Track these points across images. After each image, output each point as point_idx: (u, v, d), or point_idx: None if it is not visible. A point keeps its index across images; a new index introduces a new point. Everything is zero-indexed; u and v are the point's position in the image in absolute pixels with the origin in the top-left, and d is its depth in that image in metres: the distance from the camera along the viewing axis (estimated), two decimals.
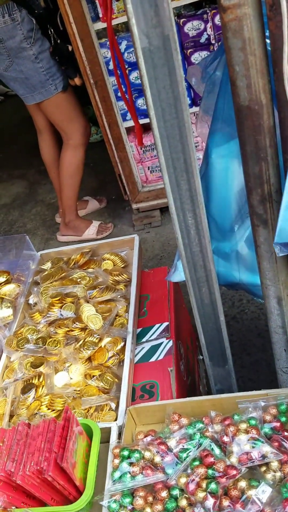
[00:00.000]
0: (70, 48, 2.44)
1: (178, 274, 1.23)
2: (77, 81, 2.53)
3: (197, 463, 0.96)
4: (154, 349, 1.36)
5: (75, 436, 1.00)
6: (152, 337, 1.40)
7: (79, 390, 1.23)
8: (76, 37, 2.41)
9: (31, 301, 1.53)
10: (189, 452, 1.00)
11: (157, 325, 1.43)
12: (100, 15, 2.43)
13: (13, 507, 0.95)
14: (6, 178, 4.17)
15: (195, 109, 2.62)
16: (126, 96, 1.53)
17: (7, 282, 1.56)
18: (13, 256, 1.65)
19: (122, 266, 1.59)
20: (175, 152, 0.89)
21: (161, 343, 1.37)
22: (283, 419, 1.03)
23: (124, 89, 1.95)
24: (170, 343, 1.36)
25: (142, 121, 2.64)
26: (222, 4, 0.71)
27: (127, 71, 2.59)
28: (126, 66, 2.60)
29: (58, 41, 2.35)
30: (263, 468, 0.96)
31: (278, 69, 0.74)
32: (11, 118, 5.40)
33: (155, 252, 2.84)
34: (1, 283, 1.55)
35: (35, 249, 1.69)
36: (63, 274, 1.55)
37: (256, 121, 0.82)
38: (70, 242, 2.98)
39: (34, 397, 1.25)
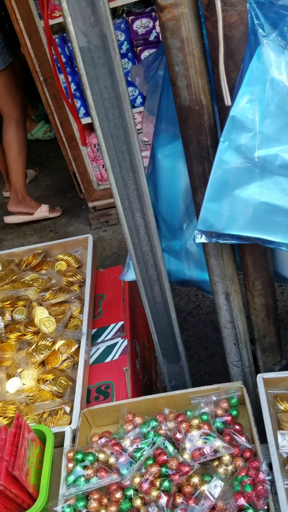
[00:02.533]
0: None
1: (131, 273, 1.22)
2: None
3: (150, 462, 0.97)
4: (109, 349, 1.36)
5: (27, 443, 0.98)
6: (108, 337, 1.39)
7: (32, 396, 1.21)
8: (24, 34, 2.36)
9: None
10: (143, 451, 1.00)
11: (112, 325, 1.43)
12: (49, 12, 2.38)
13: None
14: None
15: None
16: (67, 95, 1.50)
17: None
18: None
19: (76, 266, 1.57)
20: (120, 152, 0.89)
21: (116, 342, 1.37)
22: (234, 412, 1.05)
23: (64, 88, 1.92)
24: (125, 342, 1.36)
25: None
26: (159, 3, 0.71)
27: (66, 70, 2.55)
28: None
29: None
30: (216, 463, 0.97)
31: (216, 69, 0.75)
32: None
33: (112, 250, 2.83)
34: None
35: None
36: (14, 277, 1.52)
37: (197, 121, 0.82)
38: (17, 242, 2.90)
39: None
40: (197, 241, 0.82)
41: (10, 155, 2.90)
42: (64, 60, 2.47)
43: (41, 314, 1.37)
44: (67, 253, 1.60)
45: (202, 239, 0.82)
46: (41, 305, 1.42)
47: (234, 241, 0.84)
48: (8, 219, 3.13)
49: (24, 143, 2.92)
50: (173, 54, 0.74)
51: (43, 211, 3.07)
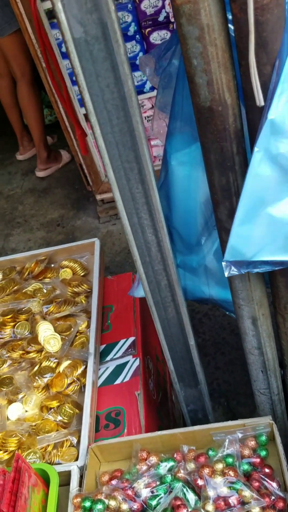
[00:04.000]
0: None
1: (142, 290, 1.09)
2: None
3: None
4: (119, 369, 1.24)
5: (28, 491, 0.87)
6: (117, 355, 1.27)
7: (35, 426, 1.10)
8: (24, 17, 2.20)
9: None
10: (160, 498, 0.89)
11: (122, 341, 1.30)
12: None
13: None
14: None
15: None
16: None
17: None
18: None
19: (82, 274, 1.45)
20: (127, 162, 0.75)
21: (127, 362, 1.25)
22: (263, 453, 0.93)
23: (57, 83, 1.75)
24: (137, 362, 1.24)
25: None
26: None
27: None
28: None
29: None
30: None
31: (245, 62, 0.60)
32: None
33: (122, 245, 2.69)
34: None
35: None
36: (16, 287, 1.40)
37: (221, 125, 0.68)
38: (20, 246, 2.84)
39: None
40: (227, 274, 0.68)
41: (29, 115, 3.10)
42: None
43: (45, 331, 1.25)
44: (72, 259, 1.48)
45: (232, 272, 0.68)
46: (44, 319, 1.30)
47: (266, 268, 0.71)
48: (40, 174, 3.34)
49: (40, 102, 3.12)
50: (190, 45, 0.59)
51: (66, 158, 3.34)
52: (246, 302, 0.90)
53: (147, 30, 2.25)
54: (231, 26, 0.60)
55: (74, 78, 2.33)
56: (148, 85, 2.45)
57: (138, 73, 2.38)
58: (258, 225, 0.69)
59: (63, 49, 2.37)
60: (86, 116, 2.60)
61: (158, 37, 2.25)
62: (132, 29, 2.28)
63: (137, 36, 2.29)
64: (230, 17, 0.59)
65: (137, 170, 0.75)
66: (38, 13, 0.72)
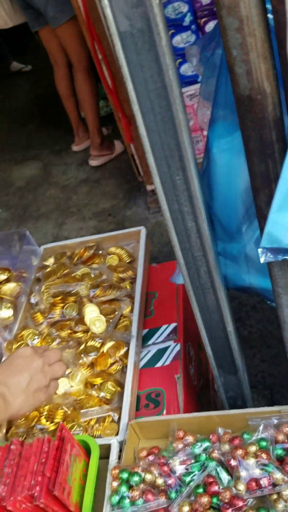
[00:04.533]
0: None
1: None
2: None
3: (201, 490, 0.88)
4: (160, 353, 1.28)
5: (70, 459, 0.93)
6: (159, 340, 1.32)
7: (79, 400, 1.17)
8: (81, 10, 2.26)
9: (32, 300, 1.46)
10: (194, 475, 0.92)
11: (164, 326, 1.34)
12: None
13: None
14: (21, 159, 4.09)
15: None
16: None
17: (7, 280, 1.49)
18: (15, 251, 1.57)
19: (128, 261, 1.50)
20: (168, 149, 0.78)
21: (168, 346, 1.29)
22: None
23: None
24: (178, 347, 1.27)
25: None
26: None
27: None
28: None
29: None
30: (274, 496, 0.87)
31: (283, 52, 0.61)
32: (27, 96, 5.29)
33: None
34: (1, 281, 1.49)
35: (37, 244, 1.61)
36: (66, 271, 1.47)
37: (260, 113, 0.69)
38: (73, 234, 2.95)
39: None
40: (262, 261, 0.70)
41: (85, 101, 3.22)
42: None
43: (91, 313, 1.32)
44: (119, 247, 1.53)
45: (268, 258, 0.70)
46: (91, 301, 1.36)
47: None
48: (93, 163, 3.45)
49: (96, 90, 3.23)
50: (230, 36, 0.61)
51: (118, 149, 3.42)
52: (285, 290, 0.91)
53: (203, 20, 2.25)
54: (271, 16, 0.61)
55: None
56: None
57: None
58: None
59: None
60: None
61: (213, 26, 2.24)
62: (187, 19, 2.29)
63: (193, 26, 2.30)
64: (269, 7, 0.60)
65: (178, 157, 0.78)
66: (88, 5, 0.76)
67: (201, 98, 0.92)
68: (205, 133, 2.53)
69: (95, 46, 0.94)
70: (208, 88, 0.87)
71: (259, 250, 0.73)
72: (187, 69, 2.42)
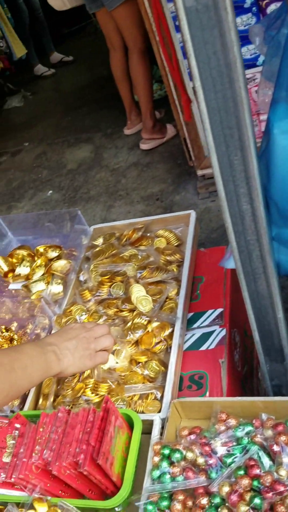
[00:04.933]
0: None
1: (233, 259, 1.11)
2: None
3: (242, 472, 0.88)
4: (205, 337, 1.28)
5: (114, 431, 0.96)
6: (204, 324, 1.31)
7: (124, 376, 1.19)
8: None
9: (81, 278, 1.49)
10: (235, 457, 0.92)
11: (210, 311, 1.34)
12: None
13: (49, 497, 0.94)
14: (73, 142, 4.15)
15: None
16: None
17: (59, 257, 1.53)
18: (66, 230, 1.61)
19: (176, 244, 1.50)
20: (227, 128, 0.77)
21: (214, 331, 1.28)
22: None
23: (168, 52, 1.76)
24: (223, 332, 1.27)
25: None
26: None
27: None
28: None
29: None
30: None
31: None
32: (79, 80, 5.34)
33: (220, 222, 2.70)
34: (53, 258, 1.53)
35: (87, 224, 1.64)
36: (114, 251, 1.49)
37: None
38: (121, 217, 2.98)
39: (79, 379, 1.22)
40: None
41: (139, 86, 3.23)
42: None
43: (138, 292, 1.33)
44: (167, 230, 1.53)
45: None
46: (138, 282, 1.38)
47: None
48: (144, 146, 3.46)
49: (150, 73, 3.23)
50: None
51: (171, 133, 3.40)
52: None
53: (265, 1, 2.18)
54: None
55: (185, 51, 2.34)
56: (261, 59, 2.39)
57: (252, 46, 2.33)
58: None
59: (177, 23, 2.39)
60: (193, 88, 2.61)
61: (275, 9, 2.17)
62: (249, 0, 2.23)
63: (254, 8, 2.23)
64: None
65: (237, 137, 0.77)
66: None
67: (263, 79, 0.90)
68: (261, 117, 2.48)
69: (159, 23, 0.94)
70: (271, 68, 0.85)
71: None
72: (245, 52, 2.36)
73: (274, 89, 0.83)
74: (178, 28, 2.43)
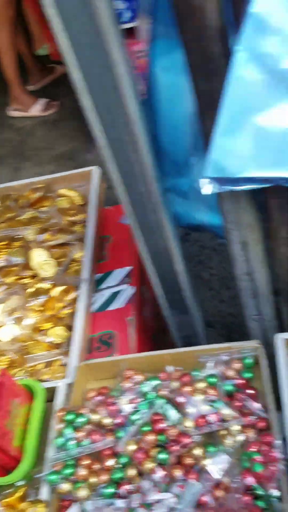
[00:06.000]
0: None
1: None
2: None
3: (148, 428, 0.87)
4: (114, 296, 1.24)
5: (10, 405, 0.90)
6: (112, 283, 1.27)
7: (26, 345, 1.12)
8: None
9: None
10: (142, 414, 0.90)
11: (118, 270, 1.30)
12: None
13: None
14: None
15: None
16: None
17: None
18: None
19: (81, 204, 1.42)
20: (97, 66, 0.69)
21: (122, 290, 1.25)
22: (248, 375, 0.93)
23: None
24: (132, 290, 1.23)
25: None
26: None
27: None
28: None
29: None
30: (222, 432, 0.86)
31: None
32: None
33: None
34: None
35: None
36: (11, 215, 1.38)
37: (201, 21, 0.61)
38: (32, 172, 2.80)
39: None
40: (204, 191, 0.64)
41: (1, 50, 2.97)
42: None
43: (39, 256, 1.25)
44: (71, 189, 1.44)
45: (211, 189, 0.64)
46: (39, 246, 1.29)
47: (252, 186, 0.67)
48: (12, 113, 3.30)
49: (14, 40, 2.96)
50: None
51: (36, 110, 3.19)
52: (235, 226, 0.86)
53: None
54: None
55: None
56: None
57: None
58: (243, 136, 0.64)
59: None
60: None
61: None
62: None
63: None
64: None
65: (110, 76, 0.69)
66: None
67: (142, 12, 0.82)
68: None
69: None
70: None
71: (201, 180, 0.68)
72: None
73: (151, 25, 0.76)
74: None
